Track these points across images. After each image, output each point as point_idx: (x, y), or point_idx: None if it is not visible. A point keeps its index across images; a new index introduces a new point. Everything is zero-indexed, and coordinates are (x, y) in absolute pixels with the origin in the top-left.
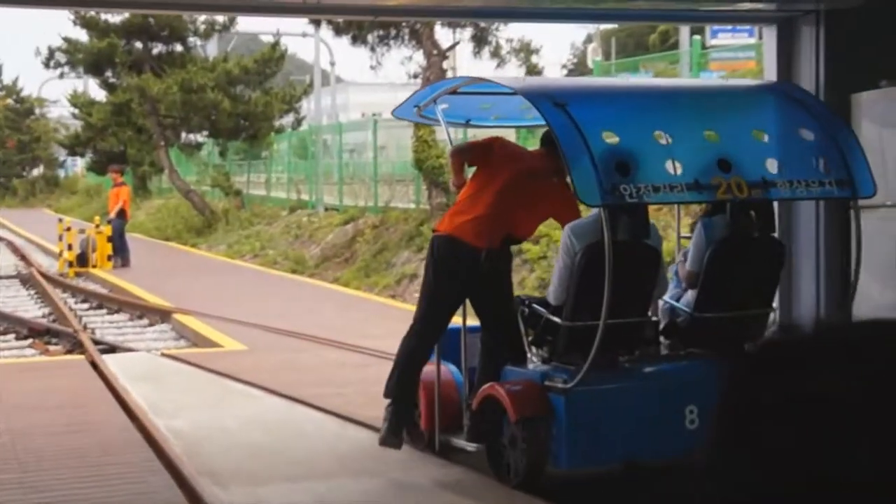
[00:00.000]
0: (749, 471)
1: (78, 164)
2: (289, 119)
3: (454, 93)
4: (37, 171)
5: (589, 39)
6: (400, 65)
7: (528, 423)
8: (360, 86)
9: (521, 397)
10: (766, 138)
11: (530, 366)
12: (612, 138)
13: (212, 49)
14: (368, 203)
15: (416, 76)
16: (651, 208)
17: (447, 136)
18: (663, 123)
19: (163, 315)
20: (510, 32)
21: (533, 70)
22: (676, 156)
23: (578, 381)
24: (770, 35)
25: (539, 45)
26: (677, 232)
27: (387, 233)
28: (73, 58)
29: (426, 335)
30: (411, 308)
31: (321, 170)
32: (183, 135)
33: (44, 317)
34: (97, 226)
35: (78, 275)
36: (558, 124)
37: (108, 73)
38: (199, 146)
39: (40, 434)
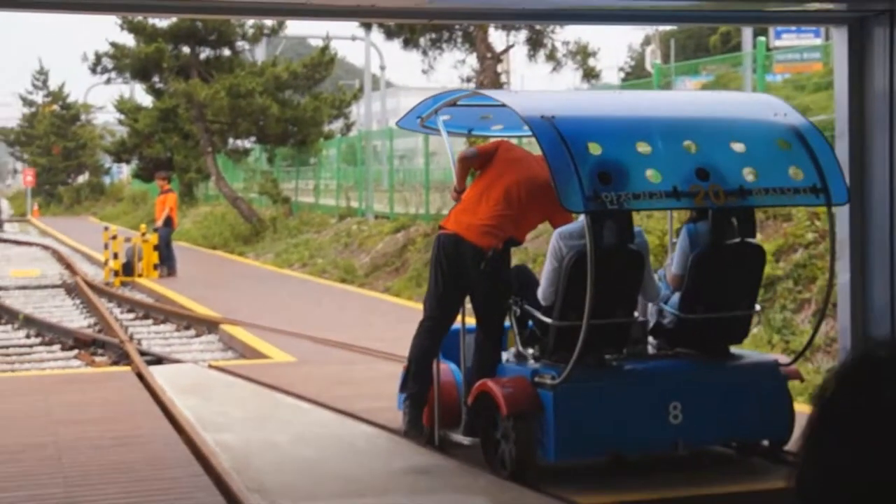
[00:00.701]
0: (845, 475)
1: (124, 171)
2: (338, 124)
3: (454, 105)
4: (82, 178)
5: (647, 42)
6: (452, 68)
7: (519, 417)
8: (411, 90)
9: (513, 393)
10: (743, 148)
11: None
12: (596, 149)
13: (260, 53)
14: (420, 210)
15: (469, 80)
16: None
17: (447, 147)
18: (645, 135)
19: (210, 325)
20: (566, 35)
21: (590, 73)
22: (656, 165)
23: (566, 378)
24: (840, 36)
25: (596, 47)
26: (669, 238)
27: None
28: (119, 63)
29: (436, 331)
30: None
31: (371, 176)
32: (230, 141)
33: (89, 327)
34: (143, 234)
35: (124, 284)
36: (545, 136)
37: (155, 79)
38: (246, 152)
39: (86, 447)
